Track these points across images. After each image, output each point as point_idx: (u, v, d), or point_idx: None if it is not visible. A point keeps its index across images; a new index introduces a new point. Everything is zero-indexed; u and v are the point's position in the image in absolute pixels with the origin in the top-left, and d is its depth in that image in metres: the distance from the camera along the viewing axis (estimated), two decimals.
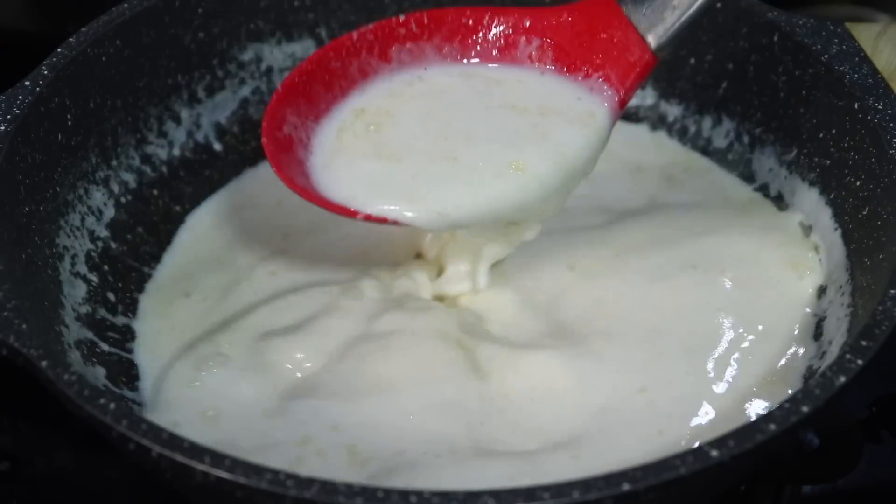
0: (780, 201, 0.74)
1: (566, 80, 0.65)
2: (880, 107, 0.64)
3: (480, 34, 0.67)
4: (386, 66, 0.67)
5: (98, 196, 0.73)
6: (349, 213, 0.61)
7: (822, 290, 0.67)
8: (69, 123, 0.69)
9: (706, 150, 0.81)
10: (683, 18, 0.62)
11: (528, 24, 0.66)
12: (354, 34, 0.66)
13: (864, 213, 0.64)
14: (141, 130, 0.77)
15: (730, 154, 0.79)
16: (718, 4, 0.76)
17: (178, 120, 0.79)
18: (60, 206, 0.68)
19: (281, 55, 0.83)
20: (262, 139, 0.62)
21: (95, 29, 0.71)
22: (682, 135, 0.82)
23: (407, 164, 0.62)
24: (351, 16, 0.84)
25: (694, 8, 0.61)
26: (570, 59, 0.65)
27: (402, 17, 0.66)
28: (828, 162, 0.69)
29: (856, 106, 0.65)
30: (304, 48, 0.84)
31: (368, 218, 0.60)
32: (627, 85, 0.64)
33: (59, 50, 0.69)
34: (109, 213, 0.73)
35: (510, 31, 0.67)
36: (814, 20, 0.72)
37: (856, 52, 0.69)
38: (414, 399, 0.61)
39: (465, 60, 0.67)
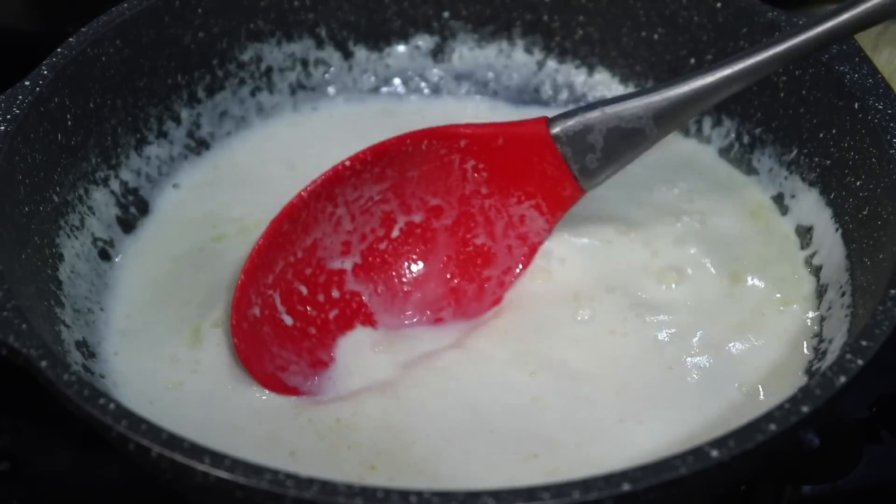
0: (779, 201, 0.74)
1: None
2: (880, 106, 0.64)
3: (418, 158, 0.68)
4: (332, 207, 0.68)
5: (98, 196, 0.73)
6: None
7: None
8: (69, 123, 0.69)
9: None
10: (615, 168, 0.65)
11: (462, 144, 0.68)
12: (304, 193, 0.66)
13: (865, 213, 0.64)
14: (141, 130, 0.77)
15: (730, 154, 0.79)
16: (718, 4, 0.76)
17: (178, 120, 0.79)
18: (60, 207, 0.68)
19: (281, 55, 0.83)
20: (232, 336, 0.64)
21: (95, 29, 0.71)
22: (682, 135, 0.82)
23: None
24: (351, 16, 0.84)
25: (626, 161, 0.64)
26: (503, 182, 0.69)
27: (347, 162, 0.66)
28: (828, 162, 0.69)
29: (856, 106, 0.65)
30: (303, 48, 0.84)
31: None
32: (557, 216, 0.68)
33: (58, 50, 0.68)
34: (110, 213, 0.73)
35: (444, 152, 0.68)
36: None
37: (856, 51, 0.69)
38: None
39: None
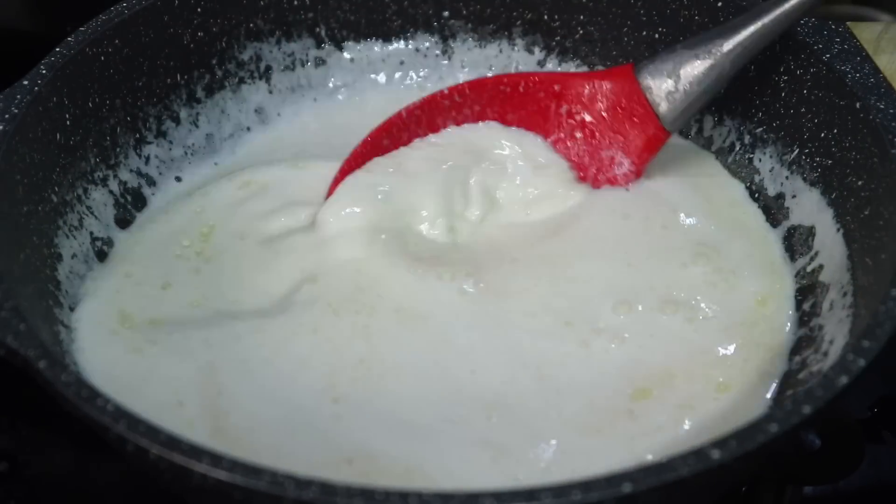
0: (780, 201, 0.74)
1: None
2: (882, 106, 0.64)
3: (515, 98, 0.75)
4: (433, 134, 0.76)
5: (97, 196, 0.72)
6: None
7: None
8: (68, 123, 0.69)
9: (706, 150, 0.80)
10: (693, 102, 0.71)
11: (556, 88, 0.75)
12: (403, 112, 0.74)
13: (866, 213, 0.64)
14: (140, 130, 0.76)
15: (731, 154, 0.79)
16: (719, 3, 0.76)
17: (177, 120, 0.79)
18: (59, 207, 0.68)
19: (280, 55, 0.83)
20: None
21: (94, 28, 0.71)
22: (682, 135, 0.82)
23: None
24: (350, 15, 0.84)
25: (703, 94, 0.70)
26: (595, 123, 0.75)
27: (445, 90, 0.75)
28: (829, 162, 0.69)
29: (857, 105, 0.65)
30: (303, 47, 0.84)
31: None
32: (644, 157, 0.74)
33: (57, 49, 0.68)
34: (108, 213, 0.73)
35: (542, 96, 0.75)
36: (815, 19, 0.72)
37: (857, 51, 0.69)
38: None
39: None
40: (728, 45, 0.68)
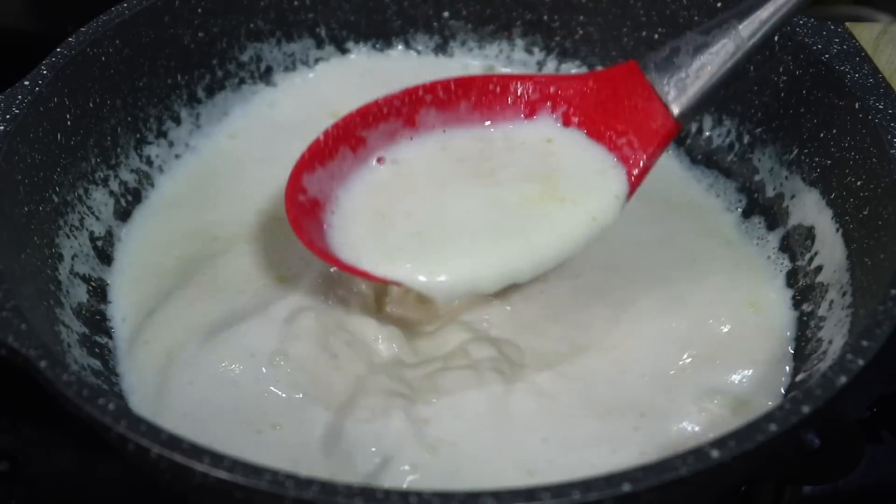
0: (779, 201, 0.74)
1: (589, 143, 0.66)
2: (881, 106, 0.64)
3: (507, 100, 0.68)
4: (411, 129, 0.68)
5: (97, 196, 0.73)
6: (363, 275, 0.62)
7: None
8: (68, 123, 0.69)
9: (706, 150, 0.80)
10: (705, 88, 0.63)
11: (552, 90, 0.67)
12: (381, 100, 0.67)
13: (865, 213, 0.64)
14: (140, 130, 0.77)
15: (730, 154, 0.79)
16: (719, 4, 0.76)
17: (177, 120, 0.79)
18: (60, 207, 0.68)
19: (280, 55, 0.83)
20: (286, 204, 0.63)
21: (95, 29, 0.71)
22: (681, 135, 0.82)
23: (418, 229, 0.64)
24: (350, 16, 0.84)
25: (716, 78, 0.63)
26: (594, 125, 0.66)
27: (428, 84, 0.67)
28: (828, 162, 0.69)
29: (856, 106, 0.65)
30: (303, 48, 0.84)
31: (381, 279, 0.62)
32: (650, 151, 0.64)
33: (58, 50, 0.69)
34: (109, 213, 0.73)
35: (536, 98, 0.68)
36: (814, 20, 0.72)
37: (856, 51, 0.69)
38: None
39: (487, 123, 0.69)
40: (738, 12, 0.62)
